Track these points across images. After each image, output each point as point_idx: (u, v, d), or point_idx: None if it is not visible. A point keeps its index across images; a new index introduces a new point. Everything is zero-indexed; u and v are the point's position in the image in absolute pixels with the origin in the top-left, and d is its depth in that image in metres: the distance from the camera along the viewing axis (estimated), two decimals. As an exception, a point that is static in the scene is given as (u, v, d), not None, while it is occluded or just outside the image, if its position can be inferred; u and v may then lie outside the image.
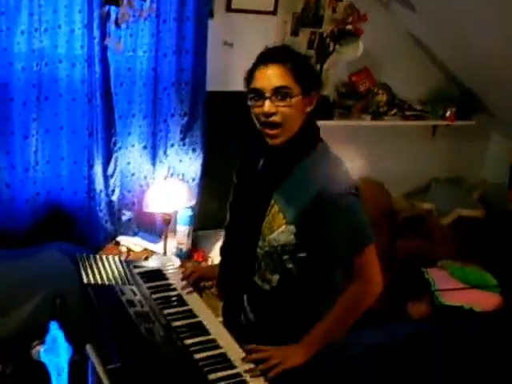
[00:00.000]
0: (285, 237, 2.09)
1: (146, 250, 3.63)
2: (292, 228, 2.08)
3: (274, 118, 2.03)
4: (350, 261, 2.08)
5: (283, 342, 2.07)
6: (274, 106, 2.02)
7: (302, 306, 2.18)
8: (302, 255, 2.11)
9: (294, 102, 2.03)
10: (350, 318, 2.11)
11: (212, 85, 3.63)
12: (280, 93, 2.01)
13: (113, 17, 3.15)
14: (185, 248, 3.64)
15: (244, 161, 2.30)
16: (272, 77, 2.02)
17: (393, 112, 4.43)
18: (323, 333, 2.08)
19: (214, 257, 3.57)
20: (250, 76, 2.10)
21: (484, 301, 3.62)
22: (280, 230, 2.10)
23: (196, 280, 2.47)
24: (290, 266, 2.14)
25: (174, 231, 3.68)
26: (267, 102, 2.02)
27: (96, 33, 3.13)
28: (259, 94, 2.04)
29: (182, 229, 3.61)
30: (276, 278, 2.16)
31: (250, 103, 2.10)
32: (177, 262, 3.47)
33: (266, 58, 2.06)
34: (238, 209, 2.27)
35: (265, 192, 2.14)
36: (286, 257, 2.12)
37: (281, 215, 2.10)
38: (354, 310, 2.11)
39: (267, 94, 2.02)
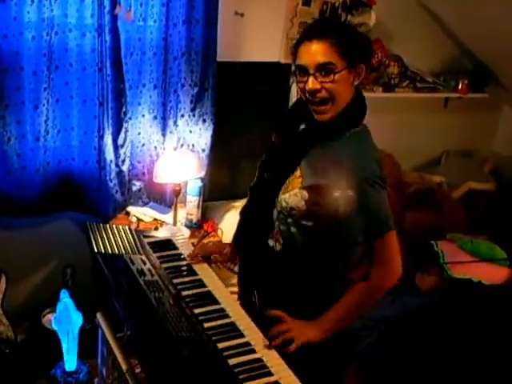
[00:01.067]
0: (296, 200, 2.10)
1: (155, 220, 3.64)
2: (304, 194, 2.09)
3: (320, 95, 2.02)
4: (371, 246, 2.07)
5: (296, 308, 2.11)
6: (318, 83, 2.00)
7: (304, 274, 2.19)
8: (307, 223, 2.11)
9: (339, 78, 2.00)
10: (367, 303, 2.12)
11: (222, 55, 3.61)
12: (324, 69, 1.99)
13: (123, -14, 3.13)
14: (195, 219, 3.65)
15: (285, 122, 2.28)
16: (315, 53, 2.00)
17: (404, 84, 4.39)
18: (342, 315, 2.09)
19: (224, 228, 3.57)
20: (295, 51, 2.08)
21: (493, 274, 3.61)
22: (293, 192, 2.12)
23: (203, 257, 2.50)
24: (293, 230, 2.15)
25: (184, 202, 3.68)
26: (311, 79, 2.01)
27: (106, 2, 3.09)
28: (303, 71, 2.03)
29: (192, 199, 3.62)
30: (280, 241, 2.20)
31: (296, 78, 2.09)
32: (186, 233, 3.49)
33: (311, 32, 2.05)
34: (268, 169, 2.27)
35: (295, 156, 2.15)
36: (290, 220, 2.14)
37: (299, 180, 2.12)
38: (372, 296, 2.11)
39: (311, 71, 2.01)
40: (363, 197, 2.00)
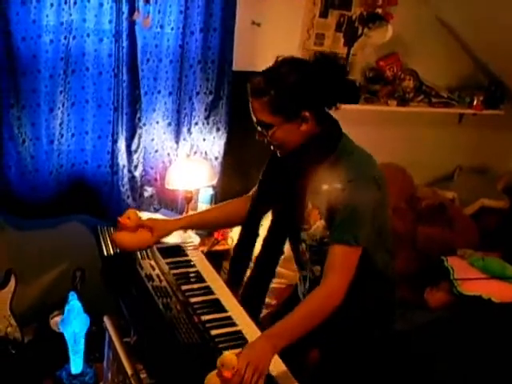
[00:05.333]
0: (320, 231, 2.19)
1: (166, 226, 3.64)
2: (323, 223, 2.17)
3: (273, 144, 2.18)
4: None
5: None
6: (263, 135, 2.16)
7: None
8: None
9: (279, 130, 2.12)
10: (320, 316, 2.03)
11: (238, 64, 3.62)
12: (262, 125, 2.13)
13: (141, -8, 3.15)
14: (205, 226, 3.64)
15: (271, 163, 2.36)
16: (254, 110, 2.13)
17: (419, 98, 4.39)
18: (292, 331, 1.99)
19: (234, 236, 3.57)
20: None
21: (503, 292, 3.59)
22: (316, 225, 2.20)
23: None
24: None
25: (195, 209, 3.68)
26: (257, 132, 2.18)
27: (124, 8, 3.12)
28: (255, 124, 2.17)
29: (203, 207, 3.62)
30: (318, 268, 2.27)
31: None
32: (196, 240, 3.48)
33: (250, 89, 2.14)
34: (269, 206, 2.35)
35: (299, 192, 2.21)
36: (326, 248, 2.14)
37: (316, 211, 2.19)
38: (327, 308, 2.04)
39: (256, 125, 2.16)
40: (347, 201, 2.06)
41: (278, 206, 2.29)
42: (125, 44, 3.19)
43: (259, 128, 2.15)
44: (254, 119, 2.14)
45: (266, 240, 2.32)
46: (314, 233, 2.21)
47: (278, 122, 2.09)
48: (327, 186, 2.10)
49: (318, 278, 2.25)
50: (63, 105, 3.22)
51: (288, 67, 2.11)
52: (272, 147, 2.21)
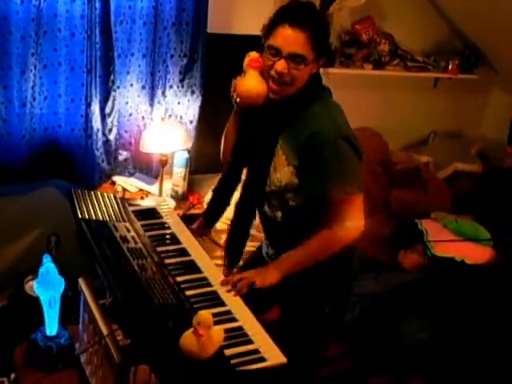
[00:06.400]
0: (287, 177, 2.20)
1: (141, 190, 3.63)
2: (291, 168, 2.18)
3: (285, 78, 2.09)
4: (330, 202, 2.15)
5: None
6: (287, 67, 2.07)
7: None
8: (304, 192, 2.20)
9: (306, 67, 2.09)
10: (321, 255, 2.20)
11: (213, 27, 3.59)
12: (296, 59, 2.06)
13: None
14: (180, 190, 3.64)
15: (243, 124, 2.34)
16: (293, 41, 2.06)
17: (395, 62, 4.40)
18: (295, 262, 2.19)
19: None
20: (271, 27, 2.11)
21: (476, 254, 3.64)
22: (283, 170, 2.20)
23: None
24: (292, 203, 2.24)
25: (170, 173, 3.67)
26: (282, 62, 2.07)
27: (97, -33, 3.07)
28: (277, 52, 2.08)
29: (179, 171, 3.61)
30: (279, 214, 2.30)
31: (265, 54, 2.13)
32: (172, 204, 3.48)
33: (292, 17, 2.07)
34: (243, 151, 2.33)
35: (271, 137, 2.22)
36: (289, 195, 2.23)
37: (283, 157, 2.20)
38: (325, 250, 2.20)
39: (284, 54, 2.06)
40: (328, 153, 2.10)
41: (250, 164, 2.31)
42: (98, 5, 3.15)
43: (289, 60, 2.05)
44: (288, 49, 2.05)
45: (239, 201, 2.34)
46: (280, 178, 2.21)
47: (312, 59, 2.09)
48: (303, 135, 2.12)
49: (279, 223, 2.31)
50: (35, 67, 3.16)
51: (316, 10, 2.19)
52: (279, 82, 2.10)
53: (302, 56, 2.06)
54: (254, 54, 2.16)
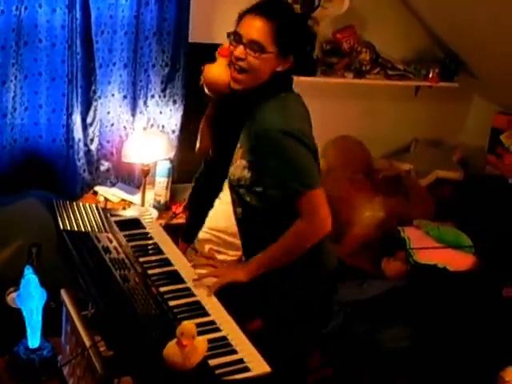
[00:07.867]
0: (239, 171, 2.22)
1: (123, 201, 3.62)
2: (244, 162, 2.20)
3: (241, 64, 2.13)
4: (288, 200, 2.15)
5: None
6: (244, 53, 2.11)
7: (269, 236, 2.24)
8: (258, 189, 2.21)
9: (264, 58, 2.11)
10: (291, 253, 2.21)
11: (195, 36, 3.59)
12: (254, 46, 2.10)
13: (95, -39, 3.09)
14: (163, 200, 3.64)
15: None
16: (254, 29, 2.10)
17: (376, 71, 4.41)
18: (265, 261, 2.22)
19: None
20: (240, 17, 2.17)
21: (458, 260, 3.65)
22: (236, 163, 2.24)
23: None
24: (248, 199, 2.25)
25: (153, 183, 3.67)
26: (240, 47, 2.12)
27: (77, -23, 3.07)
28: (238, 38, 2.13)
29: (161, 181, 3.61)
30: (239, 210, 2.33)
31: (229, 41, 2.19)
32: (155, 214, 3.47)
33: (259, 7, 2.13)
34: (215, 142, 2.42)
35: (233, 129, 2.27)
36: (242, 190, 2.24)
37: (240, 150, 2.24)
38: (294, 247, 2.21)
39: (244, 41, 2.11)
40: (276, 151, 2.10)
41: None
42: (78, 15, 3.15)
43: (247, 46, 2.10)
44: (248, 36, 2.09)
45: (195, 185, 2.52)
46: (233, 172, 2.24)
47: (271, 50, 2.11)
48: (252, 132, 2.16)
49: (241, 220, 2.35)
50: (16, 77, 3.16)
51: (290, 7, 2.25)
52: (237, 68, 2.14)
53: (260, 44, 2.09)
54: (226, 44, 2.22)
